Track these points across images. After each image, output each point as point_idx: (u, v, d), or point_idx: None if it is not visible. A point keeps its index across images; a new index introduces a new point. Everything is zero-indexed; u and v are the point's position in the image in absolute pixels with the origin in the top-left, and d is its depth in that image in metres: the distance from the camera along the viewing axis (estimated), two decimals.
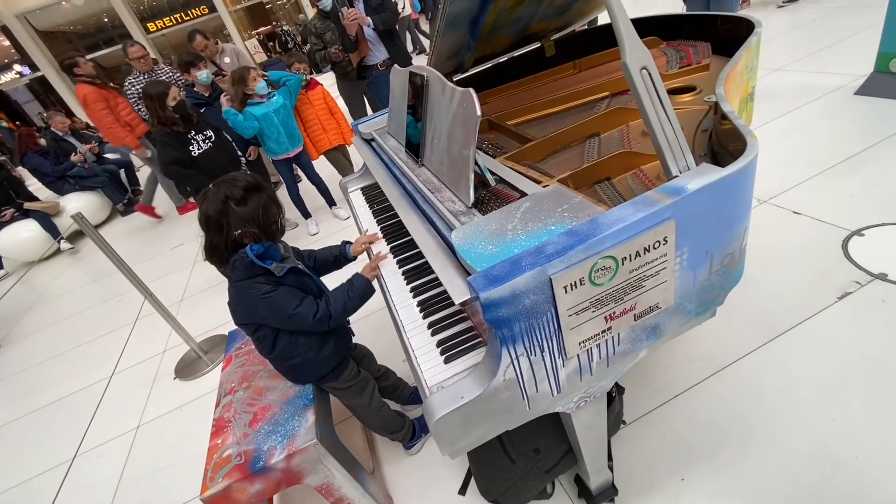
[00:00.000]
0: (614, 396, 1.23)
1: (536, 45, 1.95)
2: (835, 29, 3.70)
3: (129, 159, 6.25)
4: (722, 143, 0.99)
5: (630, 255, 0.72)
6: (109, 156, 6.09)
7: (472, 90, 0.89)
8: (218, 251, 1.11)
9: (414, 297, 1.14)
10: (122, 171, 6.01)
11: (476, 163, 0.99)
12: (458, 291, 0.76)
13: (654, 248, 0.73)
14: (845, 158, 2.24)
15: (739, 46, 1.24)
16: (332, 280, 1.32)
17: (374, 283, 1.28)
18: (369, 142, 1.73)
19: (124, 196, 5.85)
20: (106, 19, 12.88)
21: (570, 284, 0.70)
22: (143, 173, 6.91)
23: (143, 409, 2.29)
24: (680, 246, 0.76)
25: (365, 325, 2.09)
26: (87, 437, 2.24)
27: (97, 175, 5.55)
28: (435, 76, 1.10)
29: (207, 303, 3.08)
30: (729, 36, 1.51)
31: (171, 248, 4.25)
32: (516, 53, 1.94)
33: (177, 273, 3.67)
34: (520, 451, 1.21)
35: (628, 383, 1.52)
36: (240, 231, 1.09)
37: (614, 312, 0.78)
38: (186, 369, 2.45)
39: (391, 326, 1.16)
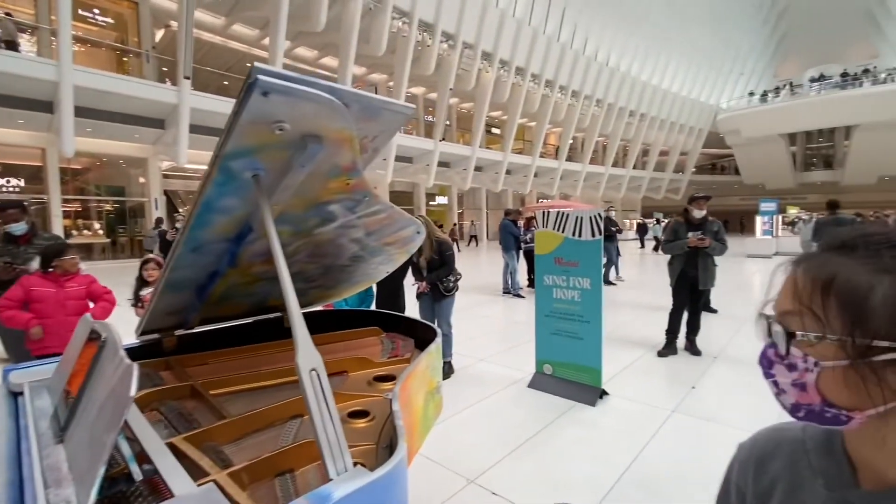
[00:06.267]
0: None
1: (279, 314, 2.07)
2: (520, 333, 5.20)
3: None
4: (393, 439, 1.09)
5: None
6: None
7: (135, 366, 0.81)
8: None
9: None
10: None
11: (120, 452, 0.82)
12: None
13: None
14: (524, 441, 2.77)
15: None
16: None
17: None
18: (16, 396, 1.31)
19: None
20: None
21: None
22: None
23: None
24: None
25: None
26: None
27: None
28: (113, 338, 0.99)
29: None
30: (425, 337, 1.92)
31: None
32: (255, 319, 2.00)
33: None
34: None
35: None
36: None
37: None
38: None
39: None
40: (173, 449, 0.99)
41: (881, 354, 0.39)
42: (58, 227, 12.10)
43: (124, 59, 14.69)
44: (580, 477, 2.38)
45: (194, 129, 11.79)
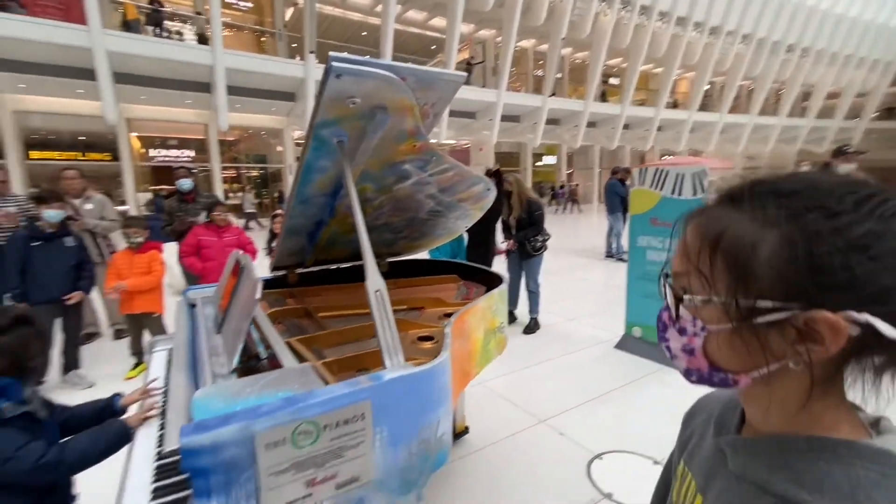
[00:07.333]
0: None
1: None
2: (615, 297, 5.09)
3: None
4: None
5: (331, 424, 0.91)
6: None
7: (260, 280, 1.16)
8: None
9: (157, 460, 1.12)
10: None
11: (254, 342, 1.19)
12: (174, 439, 0.85)
13: (354, 422, 0.94)
14: (601, 394, 2.86)
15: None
16: None
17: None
18: (192, 307, 1.85)
19: None
20: None
21: (273, 443, 0.85)
22: None
23: None
24: (378, 424, 0.98)
25: None
26: None
27: None
28: (250, 265, 1.37)
29: None
30: (497, 286, 2.11)
31: None
32: (356, 263, 2.39)
33: None
34: None
35: None
36: None
37: (315, 478, 0.91)
38: None
39: None
40: (289, 346, 1.36)
41: (764, 315, 0.36)
42: (219, 190, 14.64)
43: (261, 39, 16.60)
44: (652, 432, 2.42)
45: None
